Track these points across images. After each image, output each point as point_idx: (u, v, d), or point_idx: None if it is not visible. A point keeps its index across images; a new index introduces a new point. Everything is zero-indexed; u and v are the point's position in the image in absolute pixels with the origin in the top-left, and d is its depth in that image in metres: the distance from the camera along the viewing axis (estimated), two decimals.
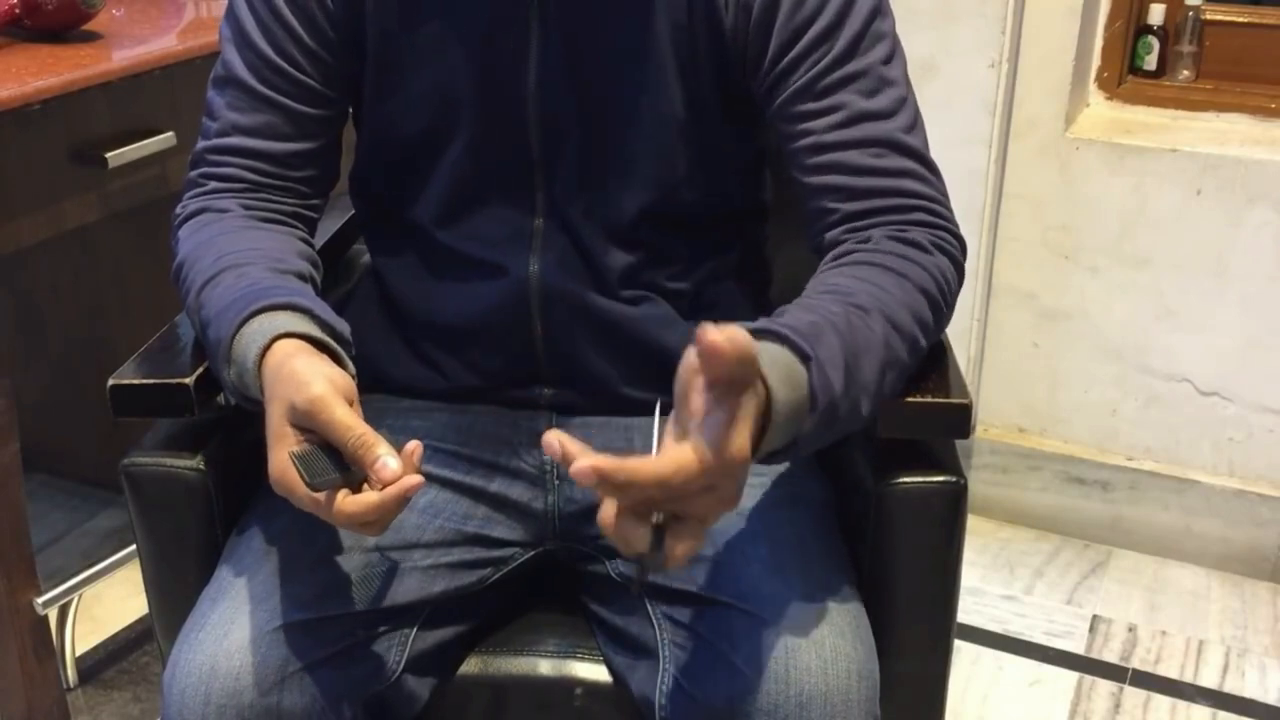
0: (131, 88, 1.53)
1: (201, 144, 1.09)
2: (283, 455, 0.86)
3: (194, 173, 1.10)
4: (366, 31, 1.06)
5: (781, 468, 1.06)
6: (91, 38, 1.60)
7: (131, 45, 1.59)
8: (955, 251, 1.01)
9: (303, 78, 1.06)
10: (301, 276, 1.02)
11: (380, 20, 1.05)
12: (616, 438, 1.09)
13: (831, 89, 1.00)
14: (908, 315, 0.94)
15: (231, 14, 1.07)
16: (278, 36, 1.05)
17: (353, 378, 0.94)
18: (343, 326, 0.97)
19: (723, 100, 1.05)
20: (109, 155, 1.49)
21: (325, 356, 0.92)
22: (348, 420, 0.85)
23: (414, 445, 0.87)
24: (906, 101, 1.02)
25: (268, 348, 0.90)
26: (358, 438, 0.85)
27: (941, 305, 0.99)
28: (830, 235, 1.01)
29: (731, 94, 1.05)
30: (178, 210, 1.09)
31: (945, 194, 1.03)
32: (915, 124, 1.03)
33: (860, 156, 1.00)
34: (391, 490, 0.85)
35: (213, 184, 1.08)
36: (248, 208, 1.07)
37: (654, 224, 1.07)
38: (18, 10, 1.55)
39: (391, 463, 0.85)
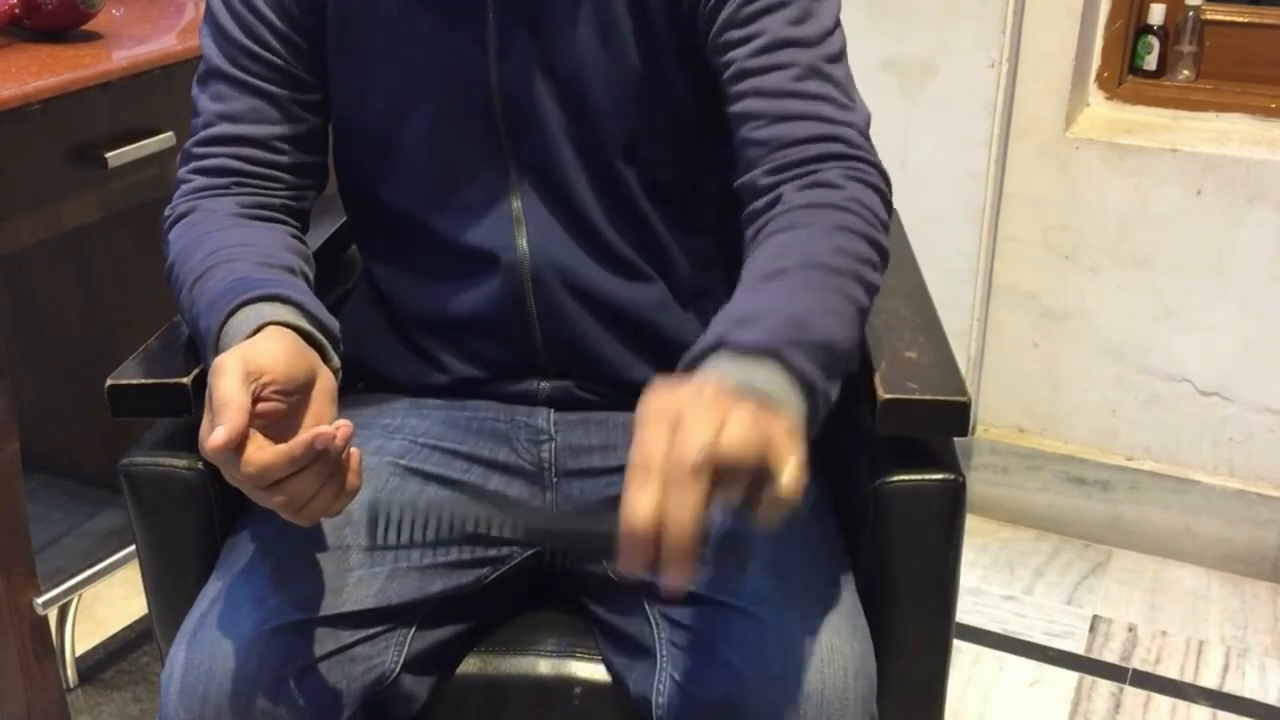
0: (131, 88, 1.53)
1: (189, 141, 1.10)
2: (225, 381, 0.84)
3: (182, 170, 1.10)
4: (328, 13, 1.06)
5: None
6: (91, 38, 1.60)
7: (131, 45, 1.59)
8: (873, 179, 0.97)
9: (279, 62, 1.07)
10: (291, 271, 1.02)
11: (338, 1, 1.05)
12: (616, 433, 1.09)
13: (756, 15, 0.98)
14: (835, 254, 0.90)
15: (208, 11, 1.08)
16: (250, 23, 1.06)
17: (336, 373, 0.94)
18: (331, 322, 0.97)
19: (680, 54, 1.04)
20: (109, 155, 1.49)
21: (307, 346, 0.92)
22: (229, 390, 0.83)
23: (343, 424, 0.85)
24: (834, 35, 1.00)
25: (253, 335, 0.90)
26: (222, 405, 0.83)
27: (867, 228, 0.94)
28: (747, 179, 0.98)
29: (688, 48, 1.03)
30: (167, 212, 1.09)
31: (865, 124, 1.00)
32: (840, 57, 1.01)
33: (777, 79, 0.98)
34: (301, 436, 0.82)
35: (200, 179, 1.08)
36: (237, 205, 1.07)
37: (628, 192, 1.06)
38: (18, 10, 1.55)
39: (219, 432, 0.81)
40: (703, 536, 0.70)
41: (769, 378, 0.79)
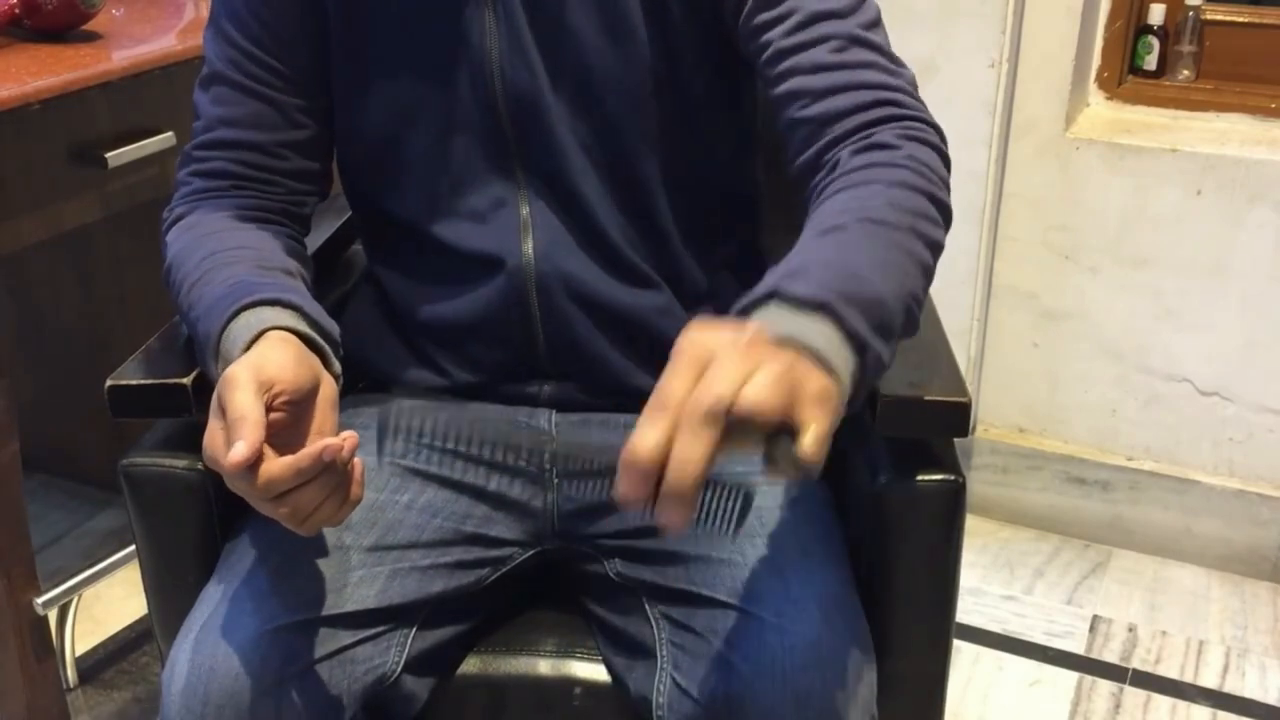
0: (131, 88, 1.53)
1: (189, 143, 1.10)
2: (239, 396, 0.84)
3: (182, 172, 1.10)
4: (331, 19, 1.06)
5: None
6: (91, 38, 1.60)
7: (131, 45, 1.59)
8: (929, 136, 0.96)
9: (281, 67, 1.07)
10: (290, 274, 1.02)
11: (341, 4, 1.05)
12: (617, 434, 1.09)
13: None
14: (889, 209, 0.87)
15: (212, 15, 1.08)
16: (251, 27, 1.06)
17: (337, 378, 0.94)
18: (331, 325, 0.97)
19: (698, 48, 1.03)
20: (109, 155, 1.49)
21: (310, 352, 0.92)
22: (245, 404, 0.83)
23: (348, 435, 0.85)
24: (866, 2, 0.99)
25: (254, 341, 0.90)
26: (238, 420, 0.83)
27: (925, 184, 0.91)
28: (803, 160, 0.97)
29: (708, 39, 1.03)
30: (165, 214, 1.09)
31: (912, 85, 0.99)
32: (875, 22, 1.00)
33: (818, 53, 0.96)
34: (309, 449, 0.83)
35: (199, 182, 1.08)
36: (236, 207, 1.07)
37: (640, 195, 1.06)
38: (18, 10, 1.55)
39: (240, 448, 0.81)
40: (703, 483, 0.69)
41: (821, 332, 0.76)
